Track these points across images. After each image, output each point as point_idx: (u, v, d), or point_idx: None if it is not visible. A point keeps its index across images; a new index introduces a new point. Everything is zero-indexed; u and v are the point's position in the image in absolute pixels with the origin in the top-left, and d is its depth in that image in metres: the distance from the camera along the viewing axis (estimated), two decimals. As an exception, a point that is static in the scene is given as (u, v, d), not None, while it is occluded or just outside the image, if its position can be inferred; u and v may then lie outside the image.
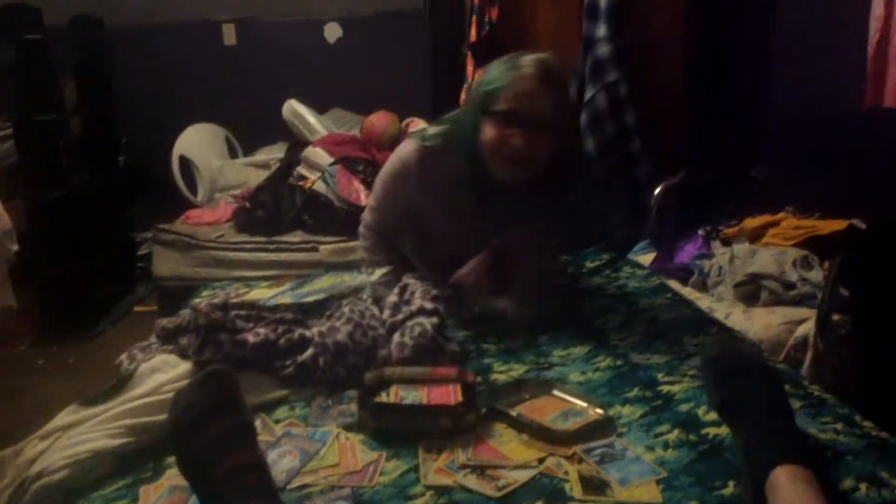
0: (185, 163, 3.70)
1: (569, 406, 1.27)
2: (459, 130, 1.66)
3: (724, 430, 1.15)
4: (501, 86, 1.56)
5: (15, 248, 2.73)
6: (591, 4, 2.63)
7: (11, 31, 3.14)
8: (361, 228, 1.85)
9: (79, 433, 1.19)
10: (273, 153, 3.71)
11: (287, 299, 1.64)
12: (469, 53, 2.87)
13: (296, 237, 2.98)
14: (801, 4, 2.47)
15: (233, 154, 3.95)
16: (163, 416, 1.22)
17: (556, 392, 1.32)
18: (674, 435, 1.17)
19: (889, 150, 2.03)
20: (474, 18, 2.75)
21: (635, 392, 1.32)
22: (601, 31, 2.61)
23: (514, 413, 1.25)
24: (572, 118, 1.70)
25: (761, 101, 2.72)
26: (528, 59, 1.57)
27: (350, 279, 1.75)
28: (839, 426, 1.16)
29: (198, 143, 3.78)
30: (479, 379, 1.39)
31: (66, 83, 3.65)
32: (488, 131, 1.58)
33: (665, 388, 1.31)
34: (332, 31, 4.03)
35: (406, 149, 1.72)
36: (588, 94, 2.64)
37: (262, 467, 1.02)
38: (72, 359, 3.04)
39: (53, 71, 3.37)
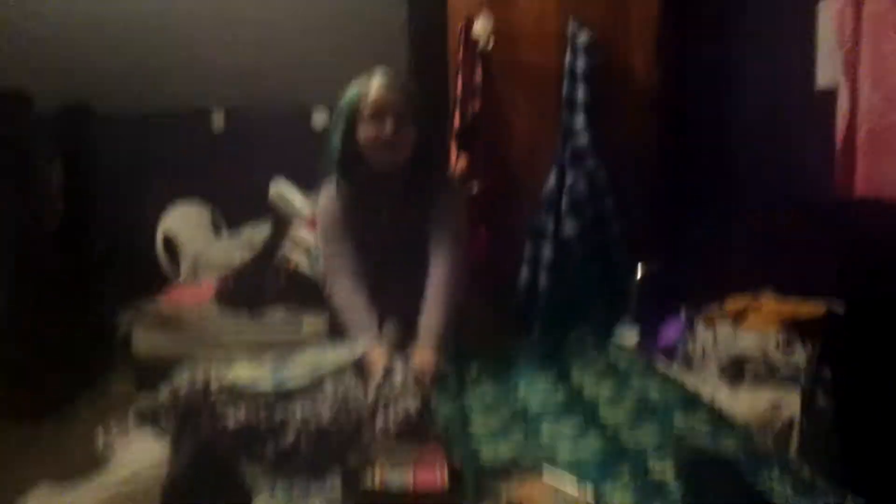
0: (169, 241, 3.70)
1: (560, 493, 1.25)
2: (334, 153, 2.00)
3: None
4: (360, 94, 1.94)
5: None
6: (569, 98, 2.75)
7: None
8: (329, 283, 2.07)
9: (53, 519, 1.15)
10: (258, 232, 3.72)
11: (267, 381, 1.61)
12: (452, 141, 2.96)
13: (279, 316, 2.95)
14: (768, 98, 2.58)
15: (217, 233, 3.97)
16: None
17: (546, 478, 1.30)
18: (665, 521, 1.15)
19: (861, 235, 2.09)
20: (457, 111, 2.87)
21: (626, 478, 1.30)
22: (579, 122, 2.72)
23: (503, 502, 1.22)
24: (421, 111, 2.00)
25: (734, 189, 2.81)
26: (373, 73, 1.98)
27: (333, 355, 1.73)
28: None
29: (182, 222, 3.79)
30: (465, 461, 1.37)
31: (53, 169, 3.67)
32: (362, 132, 1.94)
33: (657, 476, 1.29)
34: (320, 119, 4.14)
35: (320, 203, 2.09)
36: (569, 180, 2.72)
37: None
38: (43, 440, 2.95)
39: (40, 157, 3.36)
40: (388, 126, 1.91)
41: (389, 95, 1.93)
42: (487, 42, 2.77)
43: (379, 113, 1.92)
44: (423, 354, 1.83)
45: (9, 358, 3.05)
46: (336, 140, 1.99)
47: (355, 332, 1.93)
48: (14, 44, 3.90)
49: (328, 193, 2.07)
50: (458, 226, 2.05)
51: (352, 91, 1.97)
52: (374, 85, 1.95)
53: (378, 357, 1.73)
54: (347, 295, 2.00)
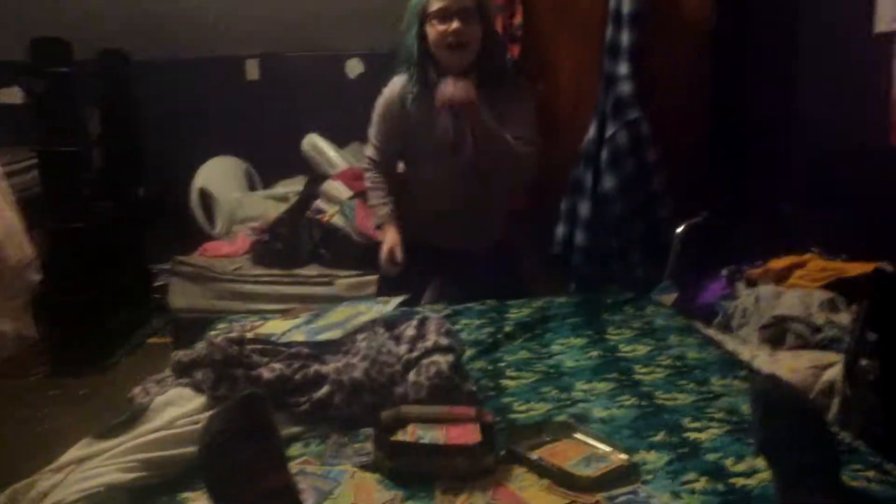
0: (205, 195, 3.73)
1: (591, 450, 1.23)
2: (408, 50, 2.08)
3: (752, 481, 1.11)
4: None
5: (38, 277, 2.74)
6: (612, 43, 2.64)
7: (42, 63, 3.19)
8: (366, 167, 2.28)
9: (92, 467, 1.17)
10: (292, 186, 3.73)
11: (301, 335, 1.62)
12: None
13: (313, 271, 2.97)
14: (825, 41, 2.46)
15: (252, 187, 3.98)
16: (177, 451, 1.21)
17: (578, 435, 1.29)
18: (700, 484, 1.13)
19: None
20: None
21: (660, 437, 1.28)
22: (623, 69, 2.61)
23: (534, 457, 1.21)
24: (486, 10, 2.12)
25: (785, 137, 2.70)
26: None
27: (366, 309, 1.73)
28: (870, 474, 1.12)
29: (217, 175, 3.81)
30: (497, 419, 1.36)
31: (91, 115, 3.71)
32: (431, 32, 2.03)
33: (692, 436, 1.27)
34: (354, 67, 4.08)
35: (386, 89, 2.18)
36: (609, 132, 2.64)
37: (292, 491, 1.02)
38: (84, 390, 3.03)
39: (79, 104, 3.41)
40: (455, 23, 1.99)
41: None
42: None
43: (445, 10, 2.00)
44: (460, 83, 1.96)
45: (48, 309, 3.11)
46: (409, 39, 2.08)
47: (376, 212, 2.22)
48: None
49: (398, 82, 2.15)
50: (534, 124, 2.16)
51: None
52: None
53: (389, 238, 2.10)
54: (375, 183, 2.24)
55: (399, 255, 2.15)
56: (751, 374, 1.55)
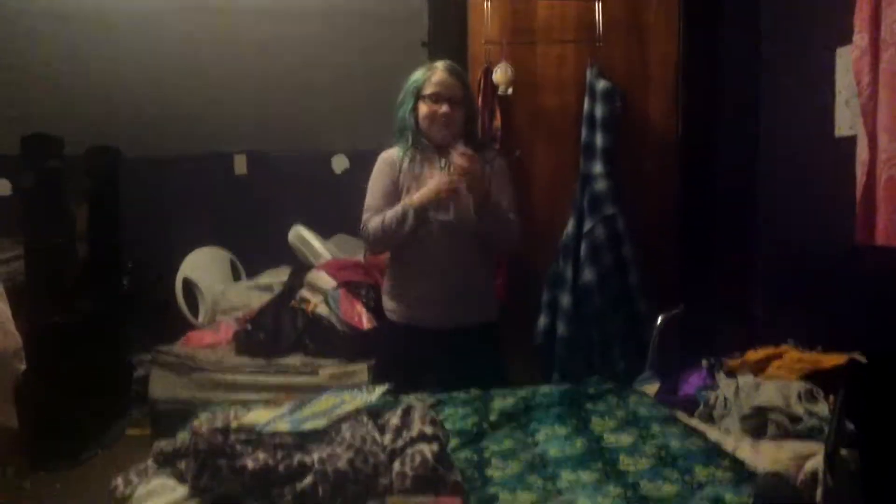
0: (189, 285, 3.74)
1: (578, 540, 1.23)
2: (403, 121, 2.36)
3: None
4: (424, 78, 2.33)
5: (23, 367, 2.71)
6: (587, 144, 2.78)
7: (32, 158, 3.26)
8: (363, 232, 2.36)
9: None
10: (277, 276, 3.76)
11: (285, 424, 1.61)
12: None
13: (296, 360, 2.96)
14: (789, 144, 2.59)
15: (237, 277, 4.01)
16: (158, 544, 1.19)
17: (563, 525, 1.29)
18: (687, 575, 1.12)
19: (883, 284, 2.07)
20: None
21: (646, 527, 1.28)
22: (598, 168, 2.74)
23: (521, 547, 1.21)
24: (470, 98, 2.43)
25: (753, 236, 2.80)
26: (438, 62, 2.37)
27: (350, 398, 1.73)
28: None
29: (202, 265, 3.84)
30: (483, 509, 1.36)
31: (78, 209, 3.75)
32: (423, 109, 2.33)
33: (677, 524, 1.27)
34: (340, 163, 4.21)
35: (381, 155, 2.42)
36: (587, 226, 2.73)
37: None
38: (58, 484, 2.94)
39: (67, 198, 3.46)
40: (444, 107, 2.29)
41: (447, 80, 2.32)
42: (507, 88, 2.82)
43: (438, 95, 2.30)
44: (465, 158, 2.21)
45: (29, 401, 3.05)
46: (402, 114, 2.37)
47: (396, 215, 2.27)
48: (45, 91, 4.01)
49: (390, 152, 2.40)
50: (515, 197, 2.42)
51: (418, 73, 2.36)
52: (437, 69, 2.34)
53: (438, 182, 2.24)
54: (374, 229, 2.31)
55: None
56: (741, 465, 1.55)
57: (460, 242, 2.31)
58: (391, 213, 2.28)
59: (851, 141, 2.06)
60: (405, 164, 2.35)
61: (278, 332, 3.05)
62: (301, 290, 3.20)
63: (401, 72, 2.45)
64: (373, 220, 2.32)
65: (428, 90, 2.32)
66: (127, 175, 3.96)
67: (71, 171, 3.44)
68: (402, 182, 2.35)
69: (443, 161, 2.34)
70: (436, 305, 2.32)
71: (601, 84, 2.74)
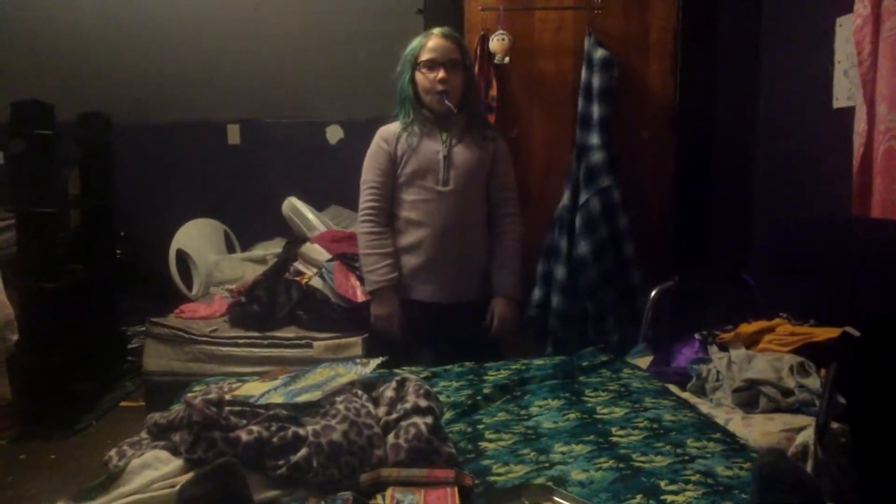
0: (182, 256, 3.72)
1: (571, 513, 1.24)
2: (402, 92, 2.33)
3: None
4: (420, 45, 2.30)
5: (15, 337, 2.70)
6: (583, 115, 2.76)
7: (24, 125, 3.22)
8: (362, 217, 2.36)
9: (64, 532, 1.14)
10: (271, 248, 3.74)
11: (279, 397, 1.61)
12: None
13: (290, 333, 2.95)
14: (787, 115, 2.57)
15: (231, 249, 3.99)
16: (152, 515, 1.19)
17: (556, 498, 1.29)
18: (678, 546, 1.13)
19: (878, 258, 2.08)
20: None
21: (638, 499, 1.28)
22: (594, 139, 2.72)
23: (514, 520, 1.21)
24: (471, 63, 2.41)
25: (749, 209, 2.80)
26: (434, 28, 2.34)
27: (344, 371, 1.73)
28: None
29: (196, 237, 3.82)
30: (476, 482, 1.36)
31: (70, 177, 3.71)
32: (420, 78, 2.29)
33: (669, 498, 1.28)
34: (334, 133, 4.17)
35: (379, 130, 2.39)
36: (582, 198, 2.72)
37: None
38: (53, 454, 2.95)
39: (58, 165, 3.43)
40: (441, 72, 2.25)
41: (443, 44, 2.27)
42: (504, 57, 2.78)
43: (433, 61, 2.26)
44: (505, 306, 2.33)
45: (22, 371, 3.05)
46: (401, 85, 2.33)
47: (368, 275, 2.34)
48: (37, 57, 3.96)
49: (388, 127, 2.37)
50: (512, 172, 2.43)
51: (414, 42, 2.32)
52: (432, 35, 2.30)
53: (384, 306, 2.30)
54: (372, 241, 2.35)
55: (397, 326, 2.34)
56: (733, 438, 1.56)
57: (459, 215, 2.30)
58: (372, 262, 2.33)
59: (849, 112, 2.05)
60: (403, 138, 2.32)
61: (272, 305, 3.03)
62: (295, 263, 3.18)
63: (396, 41, 2.41)
64: (368, 236, 2.34)
65: (424, 56, 2.28)
66: (119, 143, 3.92)
67: (62, 138, 3.40)
68: (399, 155, 2.33)
69: (444, 135, 2.31)
70: (434, 279, 2.32)
71: (599, 53, 2.70)
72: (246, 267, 3.70)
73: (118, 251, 3.95)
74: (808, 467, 1.70)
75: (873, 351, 1.77)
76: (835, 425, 1.71)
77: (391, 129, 2.37)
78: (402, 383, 1.62)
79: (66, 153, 3.53)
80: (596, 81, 2.71)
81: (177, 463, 1.34)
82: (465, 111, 2.33)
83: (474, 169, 2.31)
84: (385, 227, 2.36)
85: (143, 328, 3.23)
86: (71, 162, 3.68)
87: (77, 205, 3.77)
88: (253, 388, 1.70)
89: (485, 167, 2.35)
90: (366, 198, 2.36)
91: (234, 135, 4.21)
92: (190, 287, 3.71)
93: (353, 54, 4.00)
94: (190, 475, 1.19)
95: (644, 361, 2.27)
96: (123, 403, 3.52)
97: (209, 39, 4.07)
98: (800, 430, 1.75)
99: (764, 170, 2.72)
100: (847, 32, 2.09)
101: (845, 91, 2.19)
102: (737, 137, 2.86)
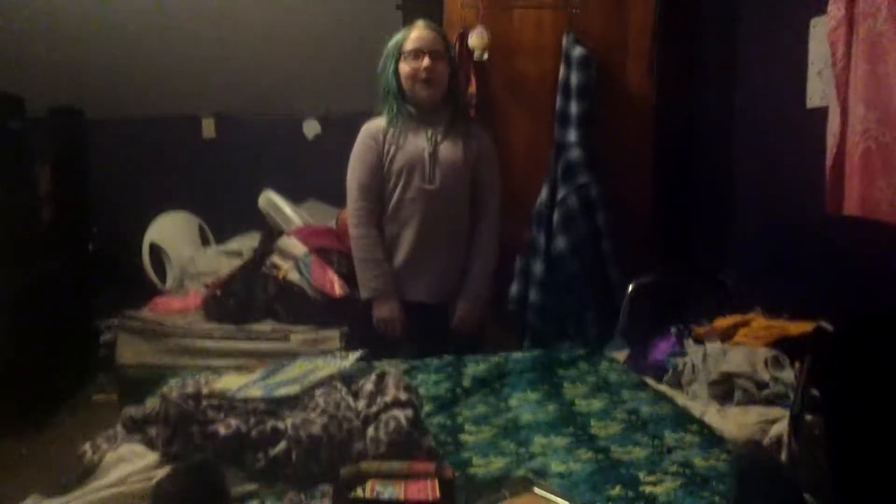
0: (156, 250, 3.68)
1: (550, 504, 1.24)
2: (386, 86, 2.30)
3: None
4: (404, 37, 2.28)
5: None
6: (562, 112, 2.77)
7: (-8, 118, 3.16)
8: (353, 220, 2.31)
9: (39, 526, 1.13)
10: (247, 242, 3.70)
11: (258, 390, 1.60)
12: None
13: (266, 326, 2.94)
14: (763, 115, 2.61)
15: (206, 243, 3.94)
16: (129, 509, 1.18)
17: (537, 490, 1.30)
18: (657, 537, 1.14)
19: (850, 254, 2.11)
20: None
21: (617, 491, 1.30)
22: (572, 136, 2.73)
23: (494, 513, 1.22)
24: (455, 54, 2.42)
25: (727, 205, 2.83)
26: (417, 20, 2.32)
27: (323, 365, 1.72)
28: (821, 527, 1.15)
29: (170, 230, 3.77)
30: (457, 474, 1.36)
31: (42, 171, 3.65)
32: (404, 68, 2.26)
33: (647, 489, 1.29)
34: (311, 128, 4.14)
35: (364, 128, 2.34)
36: (560, 195, 2.73)
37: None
38: (24, 449, 2.90)
39: (30, 159, 3.36)
40: (426, 60, 2.22)
41: (427, 34, 2.26)
42: (483, 53, 2.79)
43: (418, 50, 2.23)
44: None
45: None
46: (385, 78, 2.30)
47: (367, 281, 2.28)
48: (6, 49, 3.87)
49: (372, 123, 2.33)
50: (497, 167, 2.40)
51: (397, 35, 2.30)
52: (416, 26, 2.29)
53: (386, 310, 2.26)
54: (367, 245, 2.29)
55: (400, 328, 2.28)
56: (709, 429, 1.58)
57: (445, 213, 2.28)
58: (370, 267, 2.28)
59: (823, 112, 2.08)
60: (389, 134, 2.29)
61: (249, 299, 3.01)
62: (272, 257, 3.16)
63: (375, 36, 2.40)
64: (361, 240, 2.29)
65: (408, 47, 2.26)
66: (92, 137, 3.85)
67: (33, 132, 3.33)
68: (385, 151, 2.29)
69: (429, 131, 2.29)
70: (418, 278, 2.29)
71: (577, 51, 2.72)
72: (221, 260, 3.66)
73: (90, 246, 3.89)
74: (782, 458, 1.72)
75: (846, 345, 1.80)
76: (809, 417, 1.74)
77: (377, 125, 2.32)
78: (381, 377, 1.62)
79: (38, 147, 3.47)
80: (574, 79, 2.72)
81: (153, 456, 1.33)
82: (449, 106, 2.31)
83: (459, 166, 2.28)
84: (377, 228, 2.30)
85: (116, 321, 3.19)
86: (43, 156, 3.62)
87: (49, 200, 3.70)
88: (231, 382, 1.68)
89: (469, 164, 2.31)
90: (355, 198, 2.31)
91: (209, 128, 4.16)
92: (164, 281, 3.67)
93: (331, 49, 3.97)
94: (167, 469, 1.17)
95: (621, 355, 2.29)
96: (96, 397, 3.46)
97: (184, 32, 4.01)
98: (774, 421, 1.78)
99: (741, 167, 2.75)
100: (821, 34, 2.12)
101: (819, 91, 2.22)
102: (715, 136, 2.89)
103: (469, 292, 2.31)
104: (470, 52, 2.80)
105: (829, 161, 2.00)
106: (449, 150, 2.28)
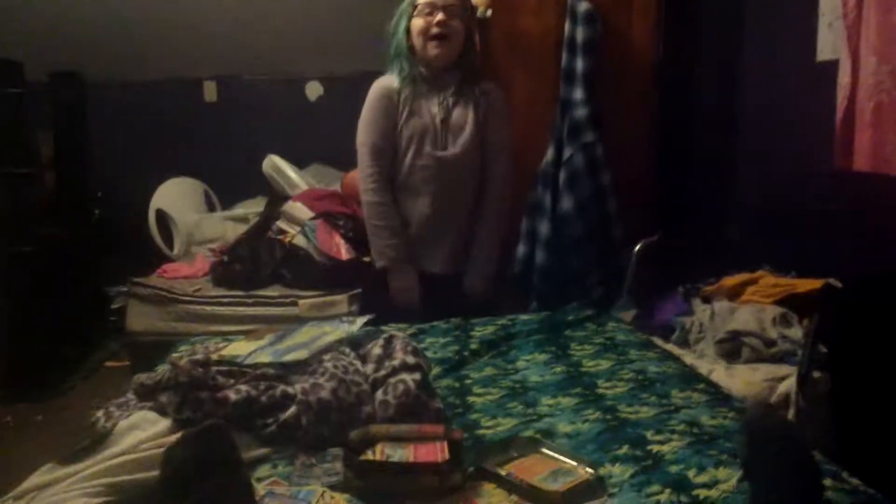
0: (162, 216, 3.68)
1: (558, 465, 1.26)
2: (398, 45, 2.22)
3: (714, 492, 1.14)
4: None
5: (-4, 300, 2.67)
6: (567, 69, 2.72)
7: (-9, 84, 3.13)
8: (366, 185, 2.24)
9: (56, 493, 1.14)
10: (252, 207, 3.70)
11: (267, 356, 1.61)
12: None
13: (274, 291, 2.94)
14: (770, 69, 2.56)
15: (211, 208, 3.94)
16: (142, 475, 1.19)
17: (544, 450, 1.31)
18: (665, 496, 1.15)
19: (859, 210, 2.09)
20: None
21: (625, 450, 1.31)
22: (578, 94, 2.69)
23: (502, 472, 1.23)
24: (471, 15, 2.31)
25: (732, 162, 2.80)
26: None
27: (331, 330, 1.73)
28: (828, 482, 1.15)
29: (175, 196, 3.76)
30: (465, 435, 1.38)
31: (43, 137, 3.63)
32: (417, 23, 2.18)
33: (655, 448, 1.30)
34: (313, 90, 4.09)
35: (375, 85, 2.28)
36: (566, 154, 2.70)
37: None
38: (39, 416, 2.95)
39: (31, 125, 3.34)
40: (440, 15, 2.14)
41: None
42: (486, 10, 2.73)
43: (432, 4, 2.16)
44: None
45: (4, 332, 3.02)
46: (396, 37, 2.23)
47: (383, 249, 2.23)
48: (4, 12, 3.83)
49: (383, 80, 2.26)
50: (509, 127, 2.35)
51: None
52: None
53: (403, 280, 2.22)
54: (383, 212, 2.24)
55: (418, 298, 2.26)
56: (716, 388, 1.59)
57: (458, 181, 2.25)
58: (386, 235, 2.23)
59: (833, 65, 2.04)
60: (403, 95, 2.22)
61: (255, 264, 3.01)
62: (277, 221, 3.15)
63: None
64: (375, 208, 2.24)
65: (422, 0, 2.18)
66: (93, 102, 3.82)
67: (34, 97, 3.31)
68: (399, 114, 2.22)
69: (441, 96, 2.23)
70: (431, 248, 2.27)
71: (583, 6, 2.66)
72: (227, 226, 3.66)
73: (96, 211, 3.89)
74: (790, 415, 1.73)
75: (854, 302, 1.80)
76: (816, 374, 1.74)
77: (389, 84, 2.24)
78: (389, 340, 1.63)
79: (38, 113, 3.45)
80: (580, 35, 2.67)
81: (165, 423, 1.35)
82: (460, 69, 2.25)
83: (471, 131, 2.22)
84: (390, 193, 2.24)
85: (125, 288, 3.20)
86: (44, 122, 3.60)
87: (52, 166, 3.69)
88: (240, 348, 1.70)
89: (481, 128, 2.25)
90: (368, 163, 2.23)
91: (210, 92, 4.12)
92: (171, 247, 3.67)
93: (333, 8, 3.91)
94: (177, 436, 1.18)
95: (628, 315, 2.29)
96: (108, 364, 3.50)
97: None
98: (782, 379, 1.79)
99: (748, 123, 2.71)
100: (832, -17, 2.07)
101: (829, 45, 2.17)
102: (720, 92, 2.84)
103: (477, 260, 2.28)
104: (472, 9, 2.74)
105: (838, 115, 1.96)
106: (461, 115, 2.23)
